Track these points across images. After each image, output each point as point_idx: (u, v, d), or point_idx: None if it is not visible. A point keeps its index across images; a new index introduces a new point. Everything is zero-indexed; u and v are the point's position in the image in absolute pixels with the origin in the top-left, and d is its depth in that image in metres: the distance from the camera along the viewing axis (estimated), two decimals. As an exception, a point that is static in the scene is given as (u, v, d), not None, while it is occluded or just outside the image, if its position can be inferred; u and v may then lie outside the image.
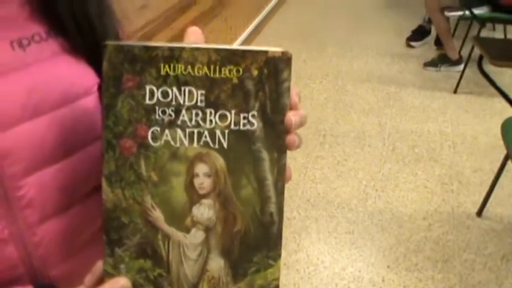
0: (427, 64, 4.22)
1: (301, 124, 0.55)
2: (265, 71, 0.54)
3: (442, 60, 4.19)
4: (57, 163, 0.58)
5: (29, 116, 0.55)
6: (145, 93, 0.54)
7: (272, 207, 0.56)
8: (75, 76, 0.57)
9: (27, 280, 0.59)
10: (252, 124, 0.54)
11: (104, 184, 0.55)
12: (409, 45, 4.60)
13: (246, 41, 4.68)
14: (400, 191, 2.82)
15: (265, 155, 0.55)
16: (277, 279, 0.57)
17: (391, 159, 3.09)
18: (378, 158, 3.11)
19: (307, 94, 3.86)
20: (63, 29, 0.60)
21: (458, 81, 3.87)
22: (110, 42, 0.53)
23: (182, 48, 0.53)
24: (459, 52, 4.18)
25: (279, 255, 0.57)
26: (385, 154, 3.14)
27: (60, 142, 0.58)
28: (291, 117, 0.54)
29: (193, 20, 3.89)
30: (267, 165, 0.55)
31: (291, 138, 0.54)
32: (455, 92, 3.85)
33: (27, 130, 0.55)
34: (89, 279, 0.55)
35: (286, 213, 2.68)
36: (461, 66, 3.98)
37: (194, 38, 0.55)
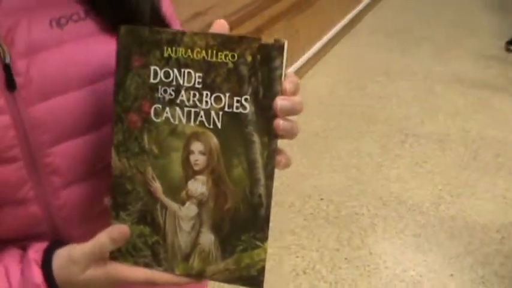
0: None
1: (292, 110, 0.56)
2: (259, 57, 0.56)
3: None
4: (84, 135, 0.63)
5: (62, 90, 0.61)
6: (150, 73, 0.58)
7: (261, 190, 0.58)
8: (109, 55, 0.61)
9: (50, 237, 0.65)
10: (244, 107, 0.57)
11: (113, 153, 0.60)
12: (508, 50, 4.41)
13: (339, 34, 4.66)
14: (476, 200, 2.73)
15: (256, 138, 0.57)
16: (264, 260, 0.60)
17: (472, 165, 3.00)
18: (458, 163, 3.02)
19: (394, 91, 3.81)
20: (101, 9, 0.65)
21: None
22: (123, 26, 0.58)
23: (183, 33, 0.57)
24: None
25: (266, 238, 0.60)
26: (466, 160, 3.04)
27: (89, 116, 0.63)
28: (278, 101, 0.55)
29: (287, 8, 3.92)
30: (257, 148, 0.57)
31: (276, 121, 0.56)
32: (552, 103, 3.66)
33: (59, 103, 0.61)
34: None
35: (355, 209, 2.68)
36: None
37: (220, 30, 0.58)
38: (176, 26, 0.77)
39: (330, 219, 2.63)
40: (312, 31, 4.18)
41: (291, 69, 3.88)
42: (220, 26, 0.59)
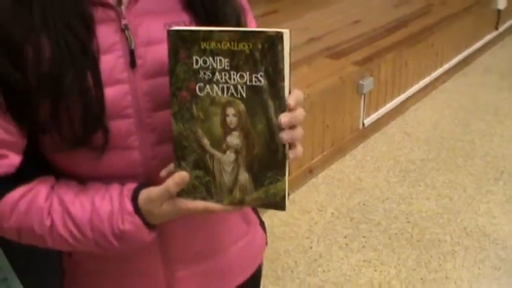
0: None
1: (293, 121, 0.80)
2: (266, 45, 0.78)
3: None
4: None
5: (163, 73, 0.86)
6: (193, 62, 0.82)
7: (276, 139, 0.81)
8: None
9: (143, 179, 0.92)
10: (260, 81, 0.80)
11: (172, 119, 0.85)
12: None
13: (450, 71, 4.72)
14: None
15: (270, 103, 0.80)
16: (284, 190, 0.83)
17: None
18: (552, 206, 3.03)
19: (498, 131, 3.84)
20: (201, 19, 0.91)
21: None
22: (170, 29, 0.82)
23: (213, 31, 0.80)
24: None
25: (285, 174, 0.82)
26: (560, 204, 3.05)
27: None
28: (281, 118, 0.79)
29: (399, 40, 4.07)
30: (272, 110, 0.80)
31: (280, 135, 0.81)
32: None
33: (160, 82, 0.88)
34: (163, 172, 0.87)
35: (439, 235, 2.79)
36: None
37: (295, 97, 0.82)
38: (252, 24, 1.04)
39: (413, 242, 2.76)
40: (421, 65, 4.29)
41: (399, 98, 4.03)
42: (297, 94, 0.82)
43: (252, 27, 1.03)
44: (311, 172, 3.31)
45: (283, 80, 0.79)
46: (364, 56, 3.74)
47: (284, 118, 0.80)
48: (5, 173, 0.87)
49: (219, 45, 0.81)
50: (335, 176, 3.38)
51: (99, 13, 0.86)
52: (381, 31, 4.25)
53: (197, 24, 0.92)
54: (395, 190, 3.19)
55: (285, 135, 0.80)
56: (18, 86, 0.82)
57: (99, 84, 0.84)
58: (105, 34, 0.87)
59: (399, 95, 4.05)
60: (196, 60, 0.82)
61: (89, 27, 0.84)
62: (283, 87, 0.80)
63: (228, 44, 0.80)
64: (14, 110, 0.84)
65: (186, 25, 0.91)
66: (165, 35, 0.84)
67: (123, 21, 0.88)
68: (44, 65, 0.82)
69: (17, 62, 0.81)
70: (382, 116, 3.86)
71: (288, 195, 0.85)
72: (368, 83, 3.53)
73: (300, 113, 0.82)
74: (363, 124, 3.67)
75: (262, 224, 1.21)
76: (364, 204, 3.07)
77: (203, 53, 0.82)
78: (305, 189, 3.25)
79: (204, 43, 0.82)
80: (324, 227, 2.91)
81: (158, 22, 0.90)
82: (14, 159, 0.87)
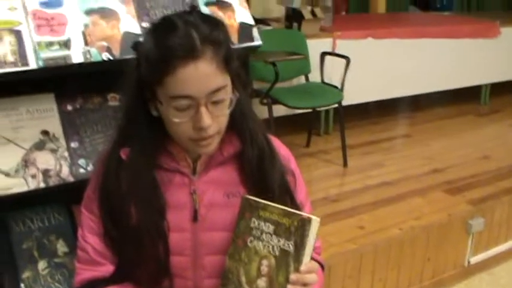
0: None
1: (300, 282, 1.16)
2: (300, 224, 1.14)
3: None
4: (222, 255, 1.31)
5: (219, 229, 1.29)
6: (251, 222, 1.19)
7: None
8: None
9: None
10: (289, 247, 1.15)
11: (227, 257, 1.22)
12: None
13: None
14: None
15: (291, 264, 1.14)
16: None
17: None
18: None
19: None
20: (252, 193, 1.28)
21: None
22: (244, 196, 1.22)
23: (267, 205, 1.17)
24: None
25: None
26: None
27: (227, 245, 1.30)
28: (291, 277, 1.15)
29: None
30: (291, 269, 1.14)
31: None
32: None
33: (214, 236, 1.29)
34: None
35: None
36: None
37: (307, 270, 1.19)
38: (307, 207, 1.39)
39: None
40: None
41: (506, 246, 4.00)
42: (311, 265, 1.19)
43: (300, 193, 1.39)
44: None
45: (304, 250, 1.14)
46: (481, 195, 3.82)
47: (292, 276, 1.15)
48: (102, 276, 1.29)
49: (270, 215, 1.18)
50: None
51: (176, 178, 1.28)
52: (506, 171, 4.30)
53: (249, 195, 1.29)
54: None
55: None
56: (114, 228, 1.25)
57: (166, 253, 1.24)
58: (179, 195, 1.28)
59: (507, 240, 4.02)
60: (254, 221, 1.21)
61: (163, 210, 1.26)
62: (303, 255, 1.14)
63: (276, 216, 1.18)
64: (111, 241, 1.27)
65: (240, 195, 1.29)
66: (224, 201, 1.26)
67: (193, 187, 1.27)
68: (131, 223, 1.23)
69: (115, 214, 1.25)
70: (491, 257, 3.89)
71: None
72: (478, 224, 3.62)
73: (310, 276, 1.16)
74: (469, 262, 3.73)
75: None
76: None
77: (258, 217, 1.20)
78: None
79: (262, 211, 1.20)
80: None
81: (220, 191, 1.30)
82: (109, 268, 1.29)
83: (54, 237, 1.81)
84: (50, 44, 1.57)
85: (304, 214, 1.16)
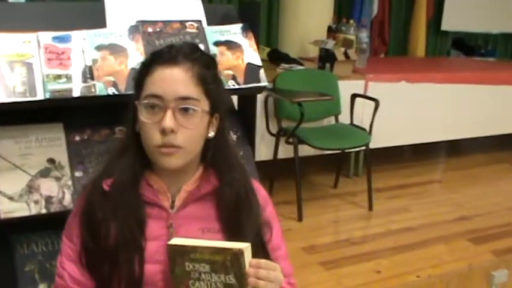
0: None
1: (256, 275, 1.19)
2: (233, 258, 1.16)
3: None
4: None
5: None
6: (185, 266, 1.21)
7: None
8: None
9: None
10: (231, 280, 1.18)
11: None
12: None
13: None
14: None
15: None
16: None
17: None
18: None
19: None
20: (226, 231, 1.35)
21: None
22: (169, 243, 1.23)
23: (196, 247, 1.19)
24: None
25: None
26: None
27: None
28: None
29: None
30: None
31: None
32: None
33: None
34: None
35: None
36: None
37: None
38: (282, 250, 1.44)
39: None
40: None
41: None
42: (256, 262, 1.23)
43: (276, 238, 1.42)
44: None
45: (245, 278, 1.18)
46: (507, 246, 3.73)
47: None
48: None
49: (202, 256, 1.20)
50: None
51: (155, 211, 1.33)
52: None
53: (224, 232, 1.33)
54: None
55: None
56: (92, 252, 1.30)
57: (141, 265, 1.28)
58: (156, 227, 1.33)
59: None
60: (187, 265, 1.23)
61: (142, 225, 1.30)
62: (246, 282, 1.18)
63: (208, 256, 1.20)
64: (88, 265, 1.32)
65: (215, 232, 1.34)
66: (198, 236, 1.29)
67: (170, 221, 1.32)
68: (109, 243, 1.28)
69: (95, 236, 1.29)
70: (515, 311, 3.77)
71: None
72: (501, 276, 3.53)
73: (261, 271, 1.21)
74: (491, 314, 3.63)
75: None
76: None
77: (192, 260, 1.22)
78: None
79: (192, 254, 1.22)
80: None
81: (195, 225, 1.35)
82: None
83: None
84: (58, 77, 1.66)
85: (234, 246, 1.18)
